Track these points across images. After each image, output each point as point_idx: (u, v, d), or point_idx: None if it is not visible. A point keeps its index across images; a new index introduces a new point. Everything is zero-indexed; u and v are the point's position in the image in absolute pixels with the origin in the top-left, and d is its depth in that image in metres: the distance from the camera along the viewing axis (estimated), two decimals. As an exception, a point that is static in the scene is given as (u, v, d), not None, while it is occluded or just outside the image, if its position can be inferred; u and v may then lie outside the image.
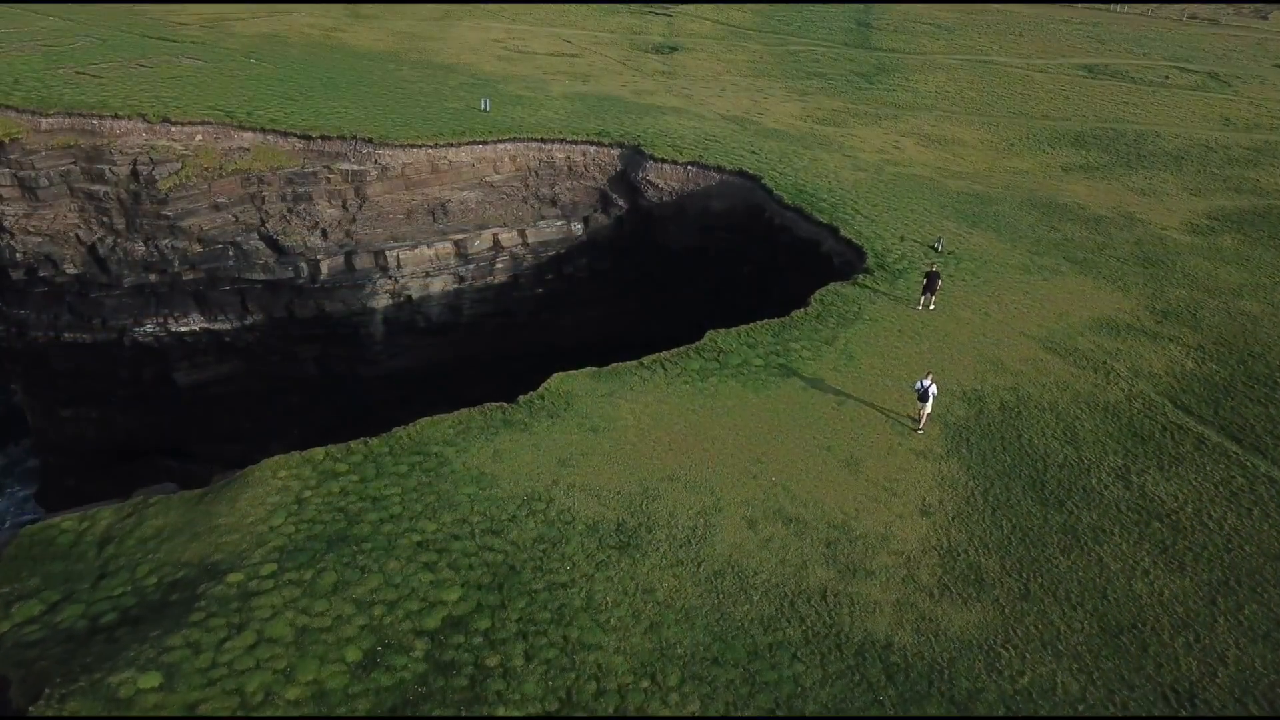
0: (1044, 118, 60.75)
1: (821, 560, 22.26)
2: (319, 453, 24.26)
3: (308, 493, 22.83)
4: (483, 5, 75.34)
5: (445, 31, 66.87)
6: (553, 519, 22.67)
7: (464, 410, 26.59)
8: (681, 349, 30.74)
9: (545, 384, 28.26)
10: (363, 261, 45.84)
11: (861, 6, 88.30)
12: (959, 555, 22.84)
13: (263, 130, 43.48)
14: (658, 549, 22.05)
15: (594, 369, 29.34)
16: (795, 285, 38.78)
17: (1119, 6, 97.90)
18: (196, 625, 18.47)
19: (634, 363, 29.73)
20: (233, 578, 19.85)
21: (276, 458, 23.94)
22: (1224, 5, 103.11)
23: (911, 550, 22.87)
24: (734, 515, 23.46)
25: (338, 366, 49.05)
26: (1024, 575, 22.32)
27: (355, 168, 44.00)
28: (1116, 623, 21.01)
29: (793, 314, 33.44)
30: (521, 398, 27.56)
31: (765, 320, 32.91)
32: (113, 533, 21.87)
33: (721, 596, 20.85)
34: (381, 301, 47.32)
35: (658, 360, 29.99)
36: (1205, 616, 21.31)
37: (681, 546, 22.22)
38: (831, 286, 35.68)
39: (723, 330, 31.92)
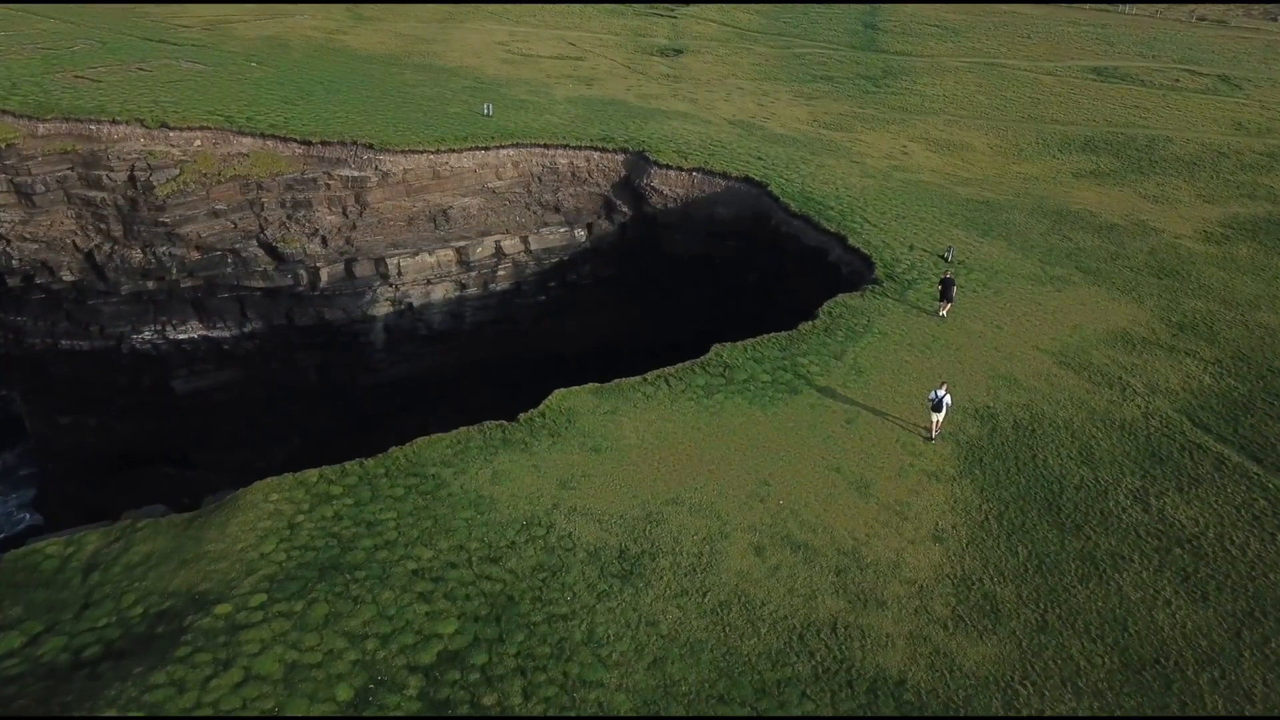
0: (1053, 122, 59.83)
1: (831, 590, 21.51)
2: (313, 474, 23.59)
3: (300, 517, 22.14)
4: (485, 7, 74.63)
5: (448, 34, 66.16)
6: (553, 545, 21.95)
7: (462, 429, 25.88)
8: (686, 364, 29.96)
9: (546, 401, 27.51)
10: (363, 269, 45.22)
11: (868, 8, 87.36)
12: (973, 584, 22.07)
13: (262, 135, 42.87)
14: (661, 578, 21.32)
15: (596, 385, 28.59)
16: (802, 294, 38.07)
17: (1127, 7, 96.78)
18: (182, 661, 17.79)
19: (637, 378, 28.99)
20: (220, 609, 19.17)
21: (269, 480, 23.26)
22: (1233, 6, 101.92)
23: (924, 579, 22.10)
24: (740, 541, 22.73)
25: (338, 374, 48.44)
26: (1041, 606, 21.54)
27: (356, 174, 43.35)
28: (1139, 657, 20.23)
29: (800, 327, 32.66)
30: (522, 415, 26.84)
31: (772, 334, 32.13)
32: (99, 558, 21.22)
33: (728, 629, 20.11)
34: (382, 309, 46.71)
35: (662, 376, 29.24)
36: (1230, 650, 20.52)
37: (686, 575, 21.49)
38: (840, 298, 34.88)
39: (729, 344, 31.14)
